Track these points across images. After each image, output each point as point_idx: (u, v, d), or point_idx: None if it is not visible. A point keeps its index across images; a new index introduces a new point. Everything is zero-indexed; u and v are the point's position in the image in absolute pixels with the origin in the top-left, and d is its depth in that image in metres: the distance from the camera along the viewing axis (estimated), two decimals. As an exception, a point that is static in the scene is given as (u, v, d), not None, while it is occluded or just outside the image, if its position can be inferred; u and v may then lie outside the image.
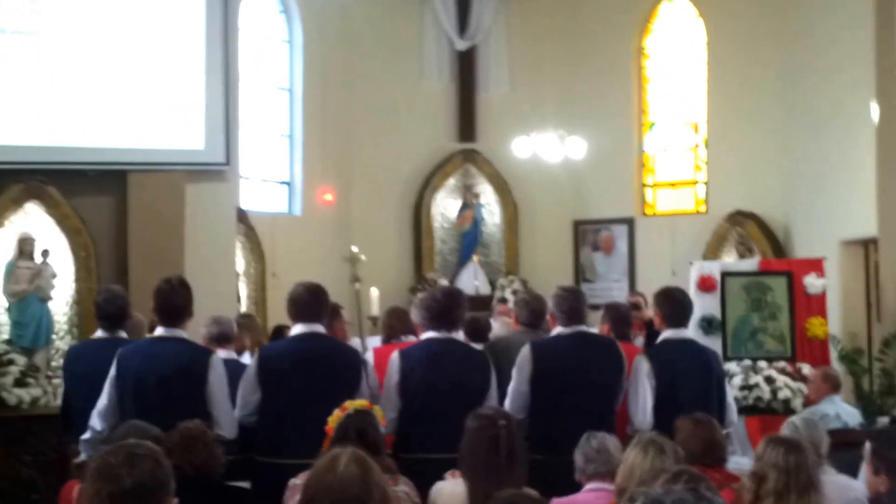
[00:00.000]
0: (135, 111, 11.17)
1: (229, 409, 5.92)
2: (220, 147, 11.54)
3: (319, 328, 6.03)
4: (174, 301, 6.01)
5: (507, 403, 6.08)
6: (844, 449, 5.94)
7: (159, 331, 6.03)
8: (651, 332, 7.95)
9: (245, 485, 5.56)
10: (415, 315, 6.83)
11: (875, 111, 11.74)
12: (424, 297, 6.57)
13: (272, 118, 15.16)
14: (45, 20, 10.84)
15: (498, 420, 4.61)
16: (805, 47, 14.39)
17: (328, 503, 3.17)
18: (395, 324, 7.37)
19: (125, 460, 3.12)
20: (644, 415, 6.14)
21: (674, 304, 6.49)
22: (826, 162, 13.60)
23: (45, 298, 10.51)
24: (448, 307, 6.22)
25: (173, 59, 11.42)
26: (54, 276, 10.59)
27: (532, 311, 6.98)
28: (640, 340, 9.34)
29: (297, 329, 6.04)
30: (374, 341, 9.51)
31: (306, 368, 5.85)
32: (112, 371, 5.87)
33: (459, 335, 6.49)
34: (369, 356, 7.18)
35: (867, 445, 4.52)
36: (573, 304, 6.33)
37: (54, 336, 10.69)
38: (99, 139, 11.01)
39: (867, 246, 12.86)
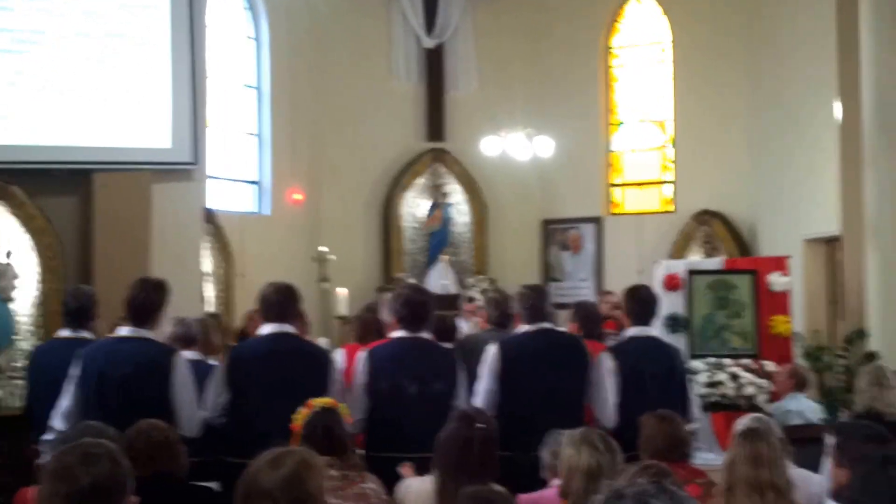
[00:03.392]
0: (100, 110, 11.08)
1: (192, 408, 5.88)
2: (187, 146, 11.45)
3: (288, 328, 6.02)
4: (148, 302, 5.99)
5: (476, 402, 6.09)
6: (807, 444, 5.99)
7: (124, 330, 5.98)
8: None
9: (213, 485, 5.54)
10: (384, 314, 6.85)
11: (838, 111, 11.85)
12: (393, 297, 6.57)
13: (240, 117, 15.11)
14: (8, 18, 10.76)
15: (476, 421, 4.62)
16: (770, 48, 14.51)
17: (252, 495, 3.18)
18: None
19: (82, 460, 3.10)
20: (609, 411, 6.20)
21: (639, 302, 6.56)
22: (791, 162, 13.72)
23: (7, 299, 10.42)
24: (417, 307, 6.23)
25: (139, 57, 11.34)
26: (16, 276, 10.50)
27: (502, 311, 7.02)
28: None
29: (265, 329, 6.03)
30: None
31: (275, 368, 5.85)
32: (75, 371, 5.83)
33: (428, 335, 6.50)
34: (339, 354, 7.20)
35: (829, 440, 4.56)
36: (536, 302, 6.36)
37: (18, 337, 10.60)
38: (64, 138, 10.91)
39: (831, 244, 12.98)
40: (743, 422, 5.04)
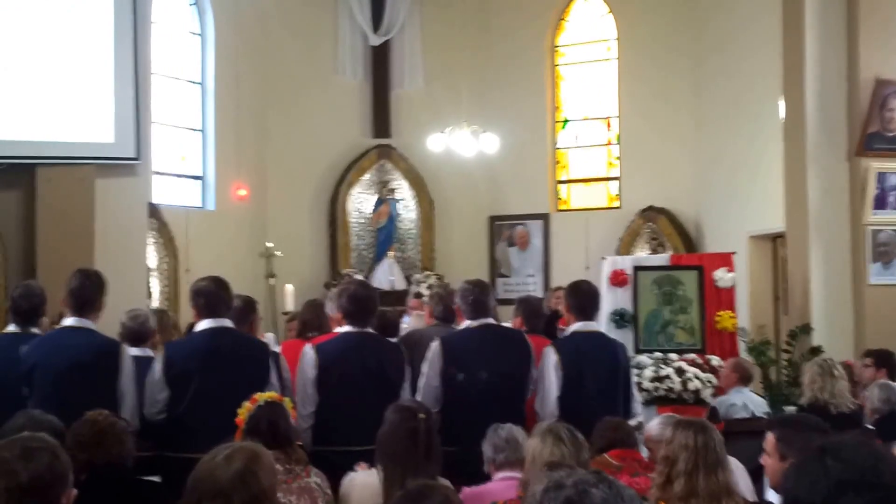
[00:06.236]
0: (43, 104, 10.97)
1: (134, 398, 5.87)
2: (130, 141, 11.37)
3: (227, 322, 5.97)
4: (87, 291, 5.96)
5: (419, 397, 6.09)
6: (751, 437, 6.04)
7: (69, 321, 5.95)
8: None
9: (156, 479, 5.50)
10: (329, 308, 6.82)
11: (782, 109, 11.96)
12: (338, 292, 6.55)
13: (185, 112, 14.97)
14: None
15: (418, 413, 4.63)
16: (715, 45, 14.61)
17: (206, 494, 3.15)
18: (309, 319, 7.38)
19: (20, 454, 3.06)
20: (551, 405, 6.22)
21: (582, 297, 6.57)
22: (736, 159, 13.84)
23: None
24: (362, 302, 6.22)
25: (82, 51, 11.23)
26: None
27: (447, 306, 7.04)
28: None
29: (203, 324, 5.95)
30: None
31: (215, 363, 5.80)
32: (23, 367, 5.79)
33: (372, 329, 6.49)
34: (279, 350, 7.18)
35: (769, 437, 4.57)
36: (478, 297, 6.37)
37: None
38: (6, 132, 10.79)
39: (775, 241, 13.11)
40: (662, 420, 5.06)
